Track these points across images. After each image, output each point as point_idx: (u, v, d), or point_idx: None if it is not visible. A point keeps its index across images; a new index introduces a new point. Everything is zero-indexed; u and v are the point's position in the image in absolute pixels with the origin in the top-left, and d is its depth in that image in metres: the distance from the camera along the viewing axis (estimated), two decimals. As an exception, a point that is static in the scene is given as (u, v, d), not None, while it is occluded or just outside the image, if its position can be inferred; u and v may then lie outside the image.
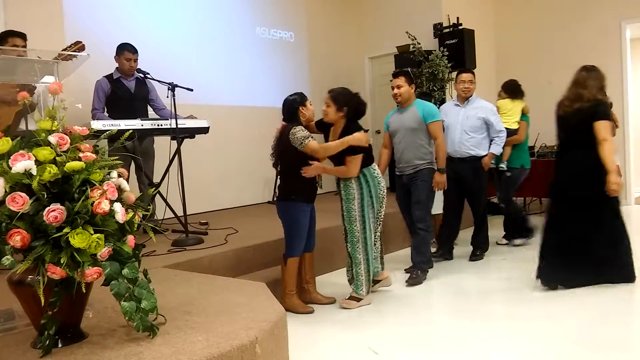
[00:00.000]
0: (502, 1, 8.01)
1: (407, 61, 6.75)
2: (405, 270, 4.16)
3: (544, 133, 6.08)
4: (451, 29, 6.97)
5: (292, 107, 3.43)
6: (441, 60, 6.58)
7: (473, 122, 4.46)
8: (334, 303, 3.59)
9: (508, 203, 5.05)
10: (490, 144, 4.53)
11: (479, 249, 4.64)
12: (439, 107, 4.55)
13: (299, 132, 3.33)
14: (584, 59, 7.19)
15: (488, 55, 7.78)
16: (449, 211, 4.67)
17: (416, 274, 3.96)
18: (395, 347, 2.85)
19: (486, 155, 4.51)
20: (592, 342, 2.75)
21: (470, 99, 4.54)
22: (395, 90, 4.00)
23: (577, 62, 7.21)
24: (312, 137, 3.35)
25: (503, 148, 4.87)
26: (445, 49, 6.69)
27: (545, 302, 3.47)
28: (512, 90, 5.12)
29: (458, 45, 6.76)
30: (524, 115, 5.09)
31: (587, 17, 7.21)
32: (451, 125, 4.47)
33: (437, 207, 4.73)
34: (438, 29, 7.06)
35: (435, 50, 6.74)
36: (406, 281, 3.95)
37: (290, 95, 3.49)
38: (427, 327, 3.12)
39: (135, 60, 4.55)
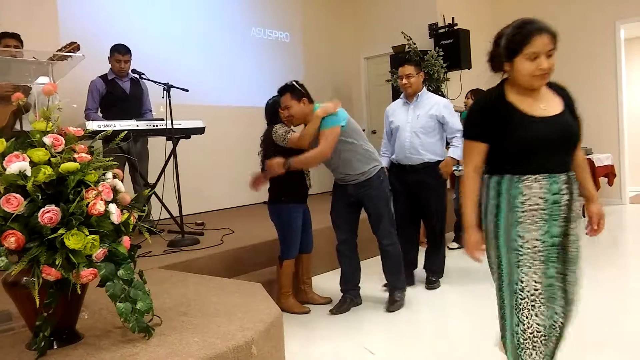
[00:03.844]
0: (497, 1, 8.03)
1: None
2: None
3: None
4: (446, 29, 6.99)
5: (273, 108, 3.44)
6: (436, 61, 6.60)
7: (425, 122, 3.75)
8: (330, 303, 3.59)
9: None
10: (448, 146, 3.85)
11: (434, 274, 3.95)
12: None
13: (280, 128, 3.33)
14: (579, 59, 7.32)
15: (483, 55, 7.75)
16: (402, 232, 3.70)
17: (398, 297, 3.49)
18: (391, 347, 2.85)
19: (442, 160, 3.82)
20: (587, 341, 2.76)
21: (419, 94, 3.81)
22: (286, 113, 3.31)
23: (572, 62, 7.36)
24: (292, 131, 3.34)
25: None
26: (440, 49, 6.71)
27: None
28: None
29: (453, 46, 6.78)
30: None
31: (582, 17, 7.24)
32: (400, 126, 3.79)
33: None
34: (433, 29, 7.08)
35: (430, 51, 6.76)
36: (387, 309, 3.44)
37: (271, 98, 3.49)
38: (423, 327, 3.13)
39: (126, 62, 4.53)
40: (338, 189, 3.52)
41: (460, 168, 4.97)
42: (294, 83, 3.33)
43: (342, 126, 3.24)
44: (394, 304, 3.45)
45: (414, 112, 3.80)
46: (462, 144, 3.80)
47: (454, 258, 4.74)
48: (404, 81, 3.70)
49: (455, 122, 3.81)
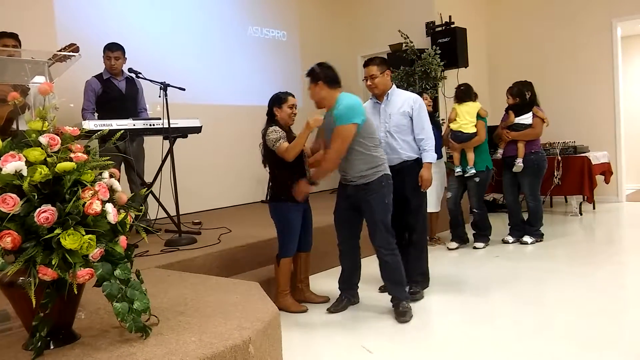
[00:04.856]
0: (494, 0, 8.03)
1: (400, 60, 6.77)
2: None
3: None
4: (443, 27, 7.00)
5: (269, 106, 3.43)
6: (434, 59, 6.60)
7: (398, 120, 3.58)
8: (327, 302, 3.59)
9: (481, 207, 5.03)
10: (421, 152, 3.64)
11: (416, 283, 3.65)
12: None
13: (272, 133, 3.29)
14: (575, 57, 7.33)
15: (480, 53, 7.81)
16: None
17: (403, 307, 3.27)
18: (389, 346, 2.85)
19: (418, 158, 3.63)
20: (583, 339, 2.77)
21: (389, 92, 3.62)
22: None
23: (568, 60, 7.38)
24: (283, 139, 3.28)
25: (463, 152, 4.80)
26: (437, 48, 6.71)
27: (535, 299, 3.49)
28: (457, 95, 5.05)
29: (450, 44, 6.79)
30: (480, 116, 4.96)
31: (579, 16, 7.26)
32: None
33: (431, 205, 4.71)
34: (430, 27, 7.09)
35: (427, 49, 6.76)
36: (398, 320, 3.22)
37: (276, 93, 3.46)
38: (421, 326, 3.13)
39: (117, 59, 4.52)
40: (341, 188, 3.48)
41: (472, 170, 4.91)
42: (314, 66, 3.26)
43: (359, 125, 3.14)
44: (404, 314, 3.23)
45: (385, 112, 3.64)
46: (431, 146, 3.67)
47: (450, 258, 4.76)
48: (369, 82, 3.60)
49: (423, 118, 3.62)
